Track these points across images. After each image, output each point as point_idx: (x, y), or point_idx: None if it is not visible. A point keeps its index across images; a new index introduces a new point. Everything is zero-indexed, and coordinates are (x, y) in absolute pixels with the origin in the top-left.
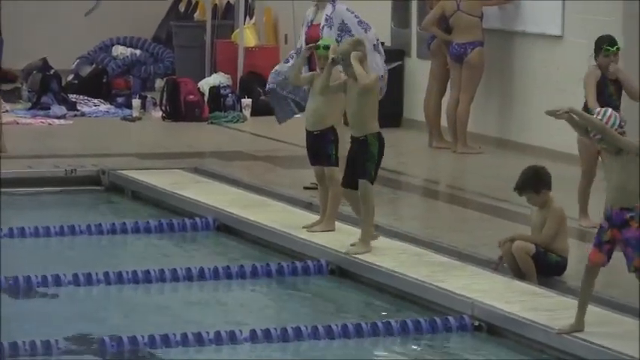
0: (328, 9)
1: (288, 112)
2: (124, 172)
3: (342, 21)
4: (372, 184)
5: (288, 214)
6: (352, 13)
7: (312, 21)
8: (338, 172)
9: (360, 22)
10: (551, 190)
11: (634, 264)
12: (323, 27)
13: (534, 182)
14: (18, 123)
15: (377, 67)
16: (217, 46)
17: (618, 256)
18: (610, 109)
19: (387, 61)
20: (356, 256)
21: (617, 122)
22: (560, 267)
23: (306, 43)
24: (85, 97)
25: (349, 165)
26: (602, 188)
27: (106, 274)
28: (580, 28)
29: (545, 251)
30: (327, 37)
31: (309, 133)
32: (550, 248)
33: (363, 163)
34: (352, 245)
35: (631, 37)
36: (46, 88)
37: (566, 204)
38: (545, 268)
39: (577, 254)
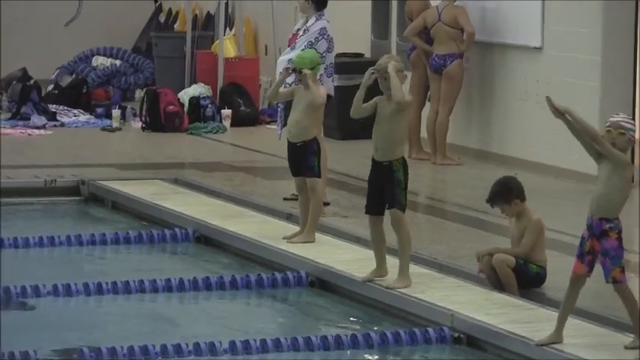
0: (311, 21)
1: None
2: (104, 182)
3: (317, 35)
4: (404, 211)
5: (268, 225)
6: (327, 32)
7: (297, 30)
8: (320, 184)
9: (329, 42)
10: (525, 200)
11: (612, 275)
12: (300, 36)
13: (504, 193)
14: None
15: (329, 90)
16: (197, 57)
17: (598, 267)
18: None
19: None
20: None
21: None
22: (541, 278)
23: (288, 46)
24: (65, 108)
25: (373, 191)
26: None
27: (86, 285)
28: (559, 40)
29: (525, 262)
30: (300, 44)
31: (291, 145)
32: (529, 259)
33: (392, 191)
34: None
35: (610, 48)
36: (26, 98)
37: (545, 215)
38: (526, 279)
39: (556, 265)
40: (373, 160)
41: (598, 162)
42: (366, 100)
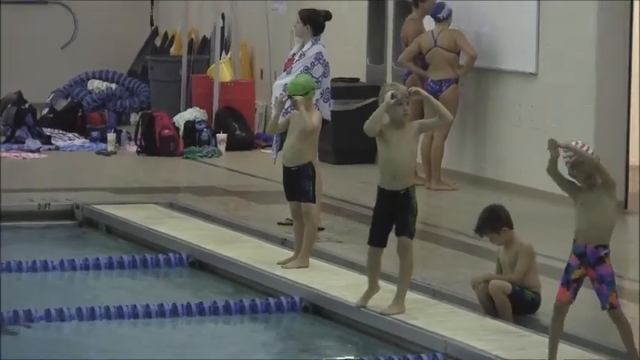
0: (307, 45)
1: None
2: (98, 206)
3: (313, 60)
4: (412, 239)
5: (263, 250)
6: (323, 57)
7: (293, 54)
8: (315, 208)
9: (325, 66)
10: (513, 227)
11: (609, 300)
12: (297, 60)
13: (493, 222)
14: None
15: (325, 114)
16: (193, 81)
17: (588, 293)
18: (581, 142)
19: (358, 99)
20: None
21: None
22: (536, 303)
23: (284, 70)
24: (60, 131)
25: (381, 221)
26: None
27: (79, 309)
28: (554, 66)
29: (521, 289)
30: (297, 69)
31: (286, 169)
32: (524, 285)
33: (405, 219)
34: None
35: (605, 73)
36: (21, 121)
37: (539, 240)
38: (521, 305)
39: (549, 291)
40: (384, 189)
41: (577, 195)
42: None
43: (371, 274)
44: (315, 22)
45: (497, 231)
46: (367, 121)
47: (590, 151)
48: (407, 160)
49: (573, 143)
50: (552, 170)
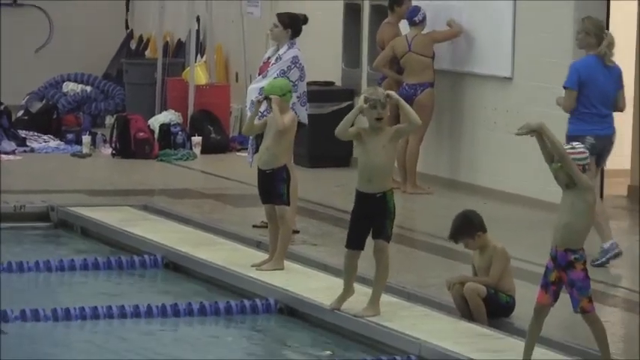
0: (283, 49)
1: None
2: (73, 208)
3: (289, 64)
4: (389, 242)
5: (237, 253)
6: (299, 61)
7: (268, 58)
8: (289, 211)
9: (301, 70)
10: (487, 231)
11: (580, 305)
12: (272, 64)
13: (467, 227)
14: None
15: (301, 118)
16: (168, 84)
17: (561, 296)
18: (583, 147)
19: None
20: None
21: (585, 161)
22: (510, 307)
23: (259, 74)
24: (35, 133)
25: (358, 224)
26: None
27: (54, 310)
28: (530, 70)
29: (495, 292)
30: (273, 72)
31: (261, 172)
32: (499, 288)
33: (382, 222)
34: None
35: None
36: None
37: (513, 244)
38: (496, 308)
39: (523, 295)
40: (361, 192)
41: (564, 191)
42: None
43: (347, 277)
44: (295, 26)
45: (472, 236)
46: (339, 125)
47: (584, 155)
48: (383, 163)
49: (575, 143)
50: (547, 161)
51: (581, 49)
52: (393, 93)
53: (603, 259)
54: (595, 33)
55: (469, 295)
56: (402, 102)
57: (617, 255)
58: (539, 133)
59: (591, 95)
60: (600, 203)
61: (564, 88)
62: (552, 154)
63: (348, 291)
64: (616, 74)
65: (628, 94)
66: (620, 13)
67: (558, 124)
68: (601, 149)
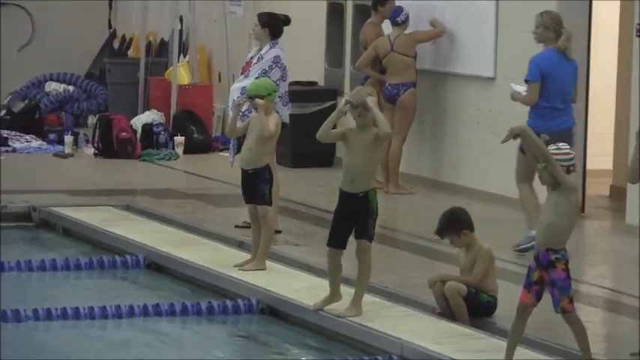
0: (265, 49)
1: None
2: (55, 208)
3: (270, 63)
4: (371, 242)
5: (220, 253)
6: (280, 60)
7: (251, 57)
8: (271, 212)
9: (283, 70)
10: (474, 230)
11: (561, 305)
12: (254, 63)
13: (453, 224)
14: None
15: (283, 118)
16: (151, 84)
17: (546, 297)
18: (568, 148)
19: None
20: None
21: (570, 162)
22: (491, 307)
23: (241, 74)
24: (17, 133)
25: (339, 223)
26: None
27: (35, 311)
28: (512, 71)
29: (476, 291)
30: (254, 72)
31: (243, 172)
32: (481, 288)
33: (365, 222)
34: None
35: None
36: None
37: (496, 245)
38: (477, 308)
39: (506, 295)
40: (345, 192)
41: (549, 191)
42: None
43: (332, 278)
44: (274, 26)
45: (458, 233)
46: (320, 127)
47: (570, 156)
48: (366, 163)
49: (561, 144)
50: (532, 161)
51: (540, 44)
52: (371, 102)
53: (528, 245)
54: (553, 27)
55: (449, 294)
56: (377, 113)
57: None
58: (524, 135)
59: (551, 89)
60: (535, 194)
61: (526, 81)
62: (536, 154)
63: (334, 295)
64: (574, 68)
65: (609, 95)
66: (603, 13)
67: None
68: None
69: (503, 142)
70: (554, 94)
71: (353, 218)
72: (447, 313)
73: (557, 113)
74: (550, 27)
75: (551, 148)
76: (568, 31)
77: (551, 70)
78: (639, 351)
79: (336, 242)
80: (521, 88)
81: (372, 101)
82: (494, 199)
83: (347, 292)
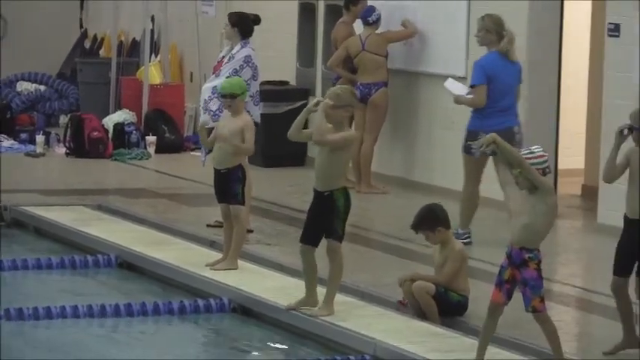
0: (236, 48)
1: None
2: (27, 208)
3: (242, 63)
4: (341, 242)
5: (191, 252)
6: (252, 60)
7: (222, 57)
8: (244, 211)
9: (254, 69)
10: (450, 228)
11: (532, 304)
12: (225, 63)
13: (430, 220)
14: None
15: (255, 117)
16: (122, 83)
17: (514, 294)
18: (541, 150)
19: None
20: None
21: (544, 165)
22: (462, 306)
23: (213, 73)
24: None
25: (310, 221)
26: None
27: (7, 310)
28: None
29: (445, 290)
30: (225, 72)
31: (216, 171)
32: (451, 287)
33: (331, 221)
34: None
35: (534, 78)
36: None
37: (468, 244)
38: (447, 307)
39: (479, 294)
40: (315, 190)
41: (527, 195)
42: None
43: (306, 277)
44: (244, 25)
45: (433, 230)
46: (291, 127)
47: (544, 159)
48: (324, 165)
49: (534, 147)
50: (505, 167)
51: (483, 47)
52: (320, 105)
53: None
54: (495, 30)
55: (417, 293)
56: (318, 117)
57: (468, 244)
58: (494, 143)
59: (495, 90)
60: (478, 196)
61: (472, 86)
62: (509, 161)
63: (309, 297)
64: (517, 70)
65: (581, 94)
66: (574, 12)
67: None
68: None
69: (474, 150)
70: (499, 95)
71: (321, 217)
72: (417, 311)
73: (500, 114)
74: (492, 30)
75: (524, 152)
76: (510, 33)
77: (496, 72)
78: (612, 350)
79: (306, 239)
80: (458, 86)
81: (322, 106)
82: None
83: (320, 292)
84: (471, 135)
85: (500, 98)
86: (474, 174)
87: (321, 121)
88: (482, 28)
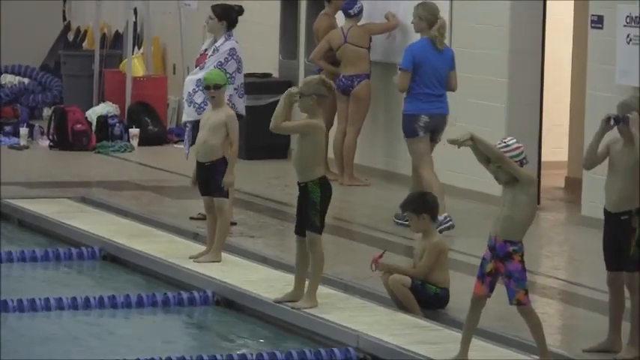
0: (220, 41)
1: None
2: (11, 200)
3: (226, 55)
4: (320, 233)
5: (175, 245)
6: (236, 53)
7: (205, 50)
8: (227, 204)
9: (238, 62)
10: (436, 220)
11: (516, 297)
12: (210, 56)
13: (417, 203)
14: None
15: (239, 109)
16: (105, 76)
17: (498, 287)
18: (515, 141)
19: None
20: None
21: (521, 156)
22: (441, 299)
23: (196, 66)
24: None
25: (298, 211)
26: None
27: None
28: (466, 62)
29: (423, 283)
30: (210, 64)
31: (199, 164)
32: (428, 280)
33: (307, 213)
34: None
35: (517, 70)
36: None
37: (449, 236)
38: (425, 299)
39: (461, 286)
40: (297, 182)
41: (505, 186)
42: None
43: (297, 269)
44: (228, 17)
45: (417, 214)
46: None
47: (520, 150)
48: (297, 156)
49: (507, 139)
50: (483, 163)
51: (418, 33)
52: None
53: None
54: (427, 18)
55: (393, 287)
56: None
57: (450, 227)
58: (472, 140)
59: (424, 75)
60: (437, 179)
61: (400, 69)
62: (486, 156)
63: (297, 291)
64: (448, 56)
65: (564, 86)
66: (558, 5)
67: (495, 117)
68: (435, 127)
69: (453, 144)
70: (429, 80)
71: (300, 208)
72: (398, 303)
73: (434, 98)
74: (424, 18)
75: (500, 145)
76: (442, 21)
77: (424, 58)
78: (593, 348)
79: (297, 229)
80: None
81: (287, 93)
82: (449, 192)
83: (305, 285)
84: (412, 118)
85: (431, 83)
86: (424, 157)
87: (281, 109)
88: (415, 15)
